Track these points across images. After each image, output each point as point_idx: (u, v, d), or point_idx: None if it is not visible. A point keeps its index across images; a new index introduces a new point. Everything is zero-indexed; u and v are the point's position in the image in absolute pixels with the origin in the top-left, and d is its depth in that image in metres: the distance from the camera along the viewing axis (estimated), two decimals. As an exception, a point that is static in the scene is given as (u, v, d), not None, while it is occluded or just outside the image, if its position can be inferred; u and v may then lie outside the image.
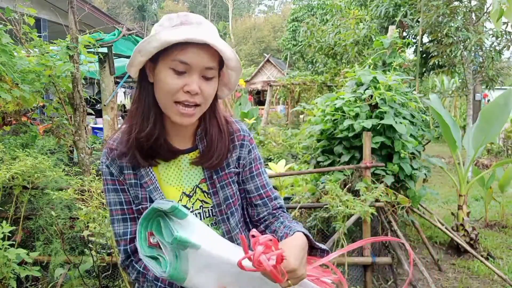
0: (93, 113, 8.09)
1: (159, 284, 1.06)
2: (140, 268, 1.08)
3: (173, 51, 0.97)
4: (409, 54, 11.76)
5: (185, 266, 0.93)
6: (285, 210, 1.22)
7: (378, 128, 3.40)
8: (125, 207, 1.09)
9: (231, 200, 1.14)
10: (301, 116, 12.77)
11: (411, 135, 3.61)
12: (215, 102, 1.12)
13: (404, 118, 3.53)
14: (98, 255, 2.55)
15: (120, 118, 7.24)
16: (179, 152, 1.11)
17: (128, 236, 1.09)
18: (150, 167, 1.08)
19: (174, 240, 0.90)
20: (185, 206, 1.11)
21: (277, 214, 1.19)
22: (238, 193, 1.17)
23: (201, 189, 1.12)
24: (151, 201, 1.07)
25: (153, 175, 1.08)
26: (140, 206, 1.08)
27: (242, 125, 1.19)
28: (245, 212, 1.22)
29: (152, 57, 1.01)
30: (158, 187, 1.08)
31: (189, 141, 1.13)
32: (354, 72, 3.92)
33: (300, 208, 3.32)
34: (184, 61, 0.97)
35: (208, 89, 1.02)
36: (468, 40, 6.84)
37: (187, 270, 0.93)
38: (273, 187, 1.25)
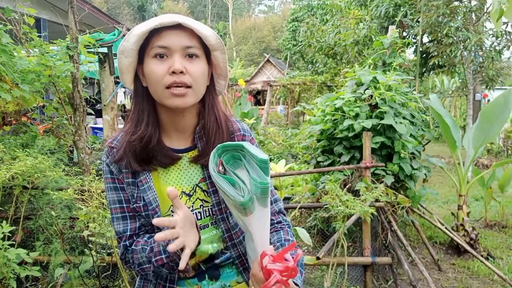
0: (93, 113, 8.10)
1: (152, 240, 1.05)
2: (133, 247, 1.07)
3: (152, 41, 1.01)
4: (409, 54, 11.78)
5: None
6: (285, 213, 1.20)
7: (378, 128, 3.40)
8: (124, 205, 1.10)
9: None
10: (302, 118, 12.78)
11: (411, 135, 3.61)
12: (214, 97, 1.12)
13: (404, 118, 3.53)
14: (98, 255, 2.55)
15: (120, 118, 7.25)
16: (176, 155, 1.10)
17: (128, 233, 1.10)
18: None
19: (262, 183, 0.92)
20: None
21: (276, 223, 1.16)
22: None
23: (201, 188, 1.12)
24: (144, 200, 1.07)
25: (148, 174, 1.08)
26: (135, 205, 1.08)
27: (243, 124, 1.18)
28: None
29: (140, 59, 1.05)
30: (152, 186, 1.07)
31: (189, 139, 1.13)
32: (354, 72, 3.92)
33: (300, 208, 3.32)
34: (162, 45, 1.01)
35: (194, 68, 1.02)
36: (468, 40, 6.84)
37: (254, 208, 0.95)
38: (274, 187, 1.22)
